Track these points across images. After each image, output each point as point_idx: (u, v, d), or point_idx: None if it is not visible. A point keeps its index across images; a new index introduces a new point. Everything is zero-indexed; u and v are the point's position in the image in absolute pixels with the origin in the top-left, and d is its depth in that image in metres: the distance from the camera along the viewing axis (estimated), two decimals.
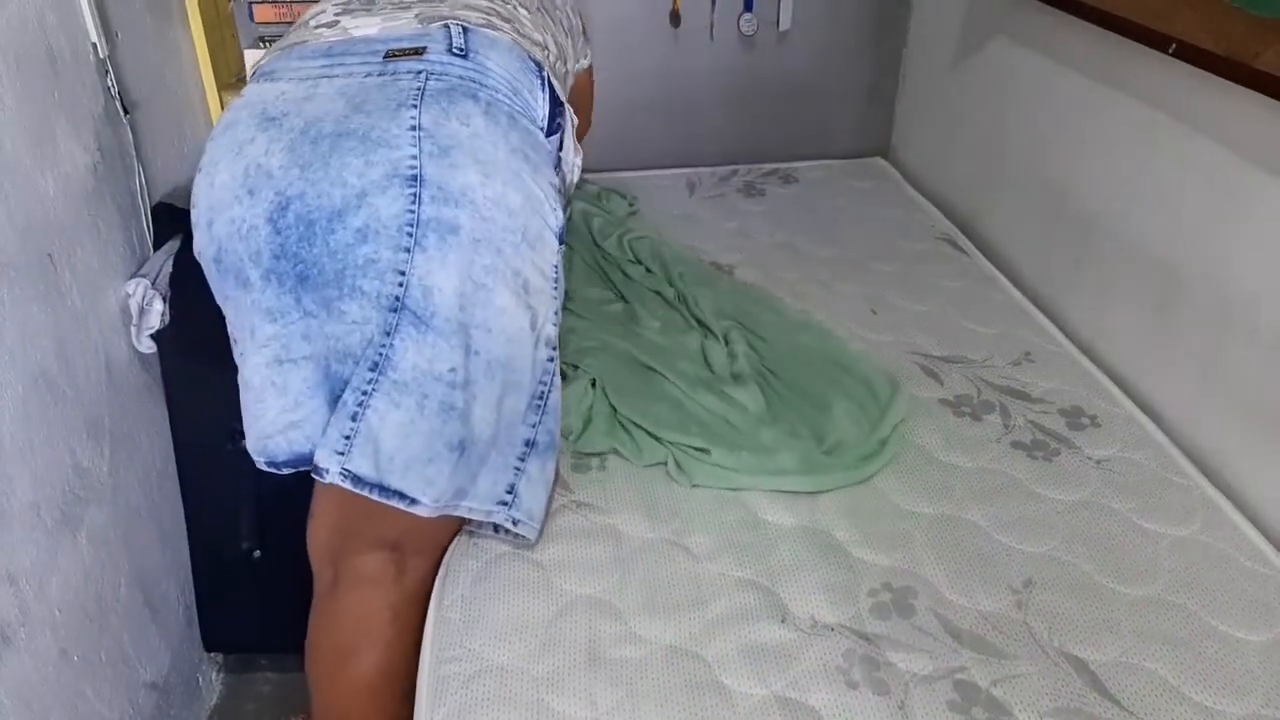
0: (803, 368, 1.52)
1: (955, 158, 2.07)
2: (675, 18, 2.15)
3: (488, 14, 1.17)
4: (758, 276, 1.79)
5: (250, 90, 1.12)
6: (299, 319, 1.10)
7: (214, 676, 1.75)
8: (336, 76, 1.09)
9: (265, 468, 1.17)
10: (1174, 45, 1.33)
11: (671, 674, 1.06)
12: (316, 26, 1.15)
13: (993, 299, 1.73)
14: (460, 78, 1.08)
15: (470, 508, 1.15)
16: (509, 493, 1.16)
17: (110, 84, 1.40)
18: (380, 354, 1.07)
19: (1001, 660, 1.06)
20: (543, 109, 1.14)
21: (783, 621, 1.11)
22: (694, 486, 1.30)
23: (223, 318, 1.17)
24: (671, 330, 1.62)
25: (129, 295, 1.42)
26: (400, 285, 1.06)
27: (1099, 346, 1.59)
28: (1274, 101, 1.19)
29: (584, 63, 1.51)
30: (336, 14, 1.16)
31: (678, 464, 1.32)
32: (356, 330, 1.08)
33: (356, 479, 1.08)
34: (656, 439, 1.35)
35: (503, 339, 1.10)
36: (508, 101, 1.10)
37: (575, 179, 1.26)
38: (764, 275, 1.80)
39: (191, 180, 1.14)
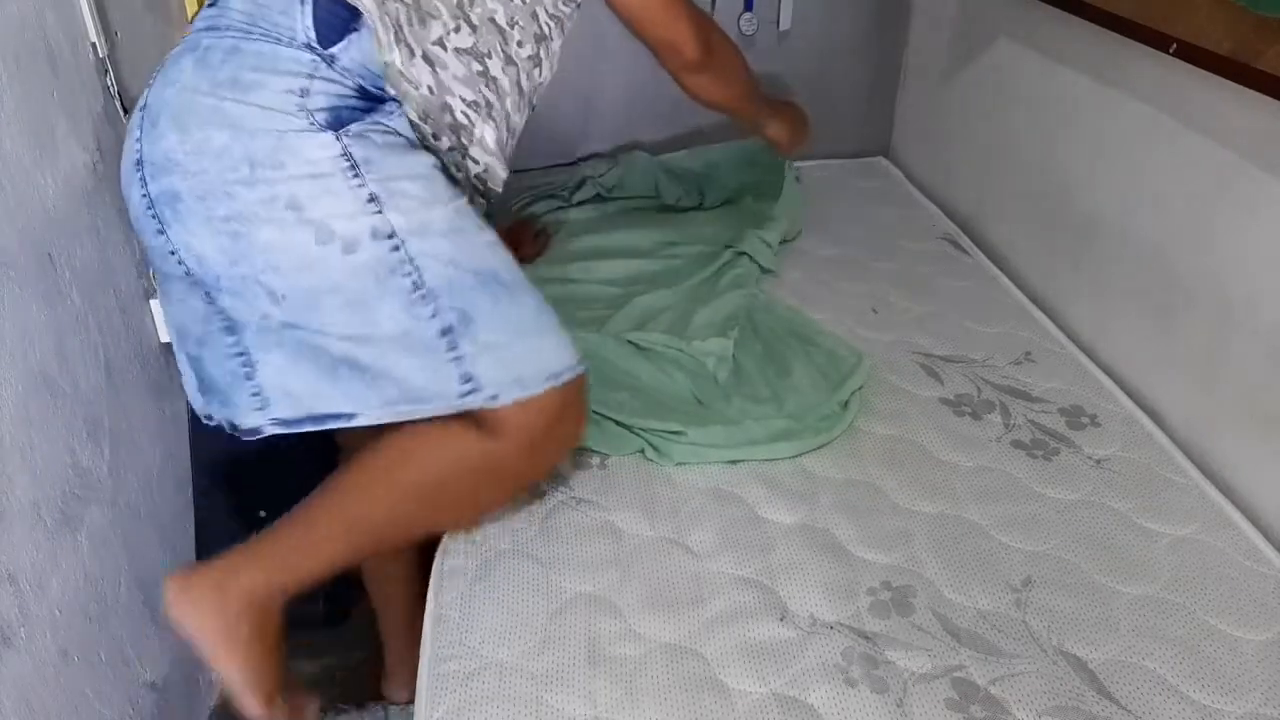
0: (767, 338, 1.57)
1: (955, 158, 2.07)
2: None
3: None
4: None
5: None
6: (160, 297, 1.18)
7: (214, 676, 1.75)
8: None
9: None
10: (1174, 45, 1.33)
11: (671, 672, 1.06)
12: None
13: (994, 299, 1.73)
14: (200, 30, 1.08)
15: (434, 409, 1.09)
16: (466, 381, 1.08)
17: (110, 83, 1.40)
18: (221, 319, 1.09)
19: (1000, 659, 1.06)
20: (303, 22, 1.05)
21: (782, 620, 1.11)
22: (677, 465, 1.33)
23: None
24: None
25: None
26: (180, 263, 1.07)
27: (1099, 346, 1.59)
28: (1275, 101, 1.19)
29: None
30: None
31: (655, 448, 1.34)
32: (185, 307, 1.12)
33: (286, 422, 1.09)
34: (627, 427, 1.36)
35: (295, 271, 1.04)
36: (235, 38, 1.05)
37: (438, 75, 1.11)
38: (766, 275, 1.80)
39: None
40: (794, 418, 1.38)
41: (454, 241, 1.08)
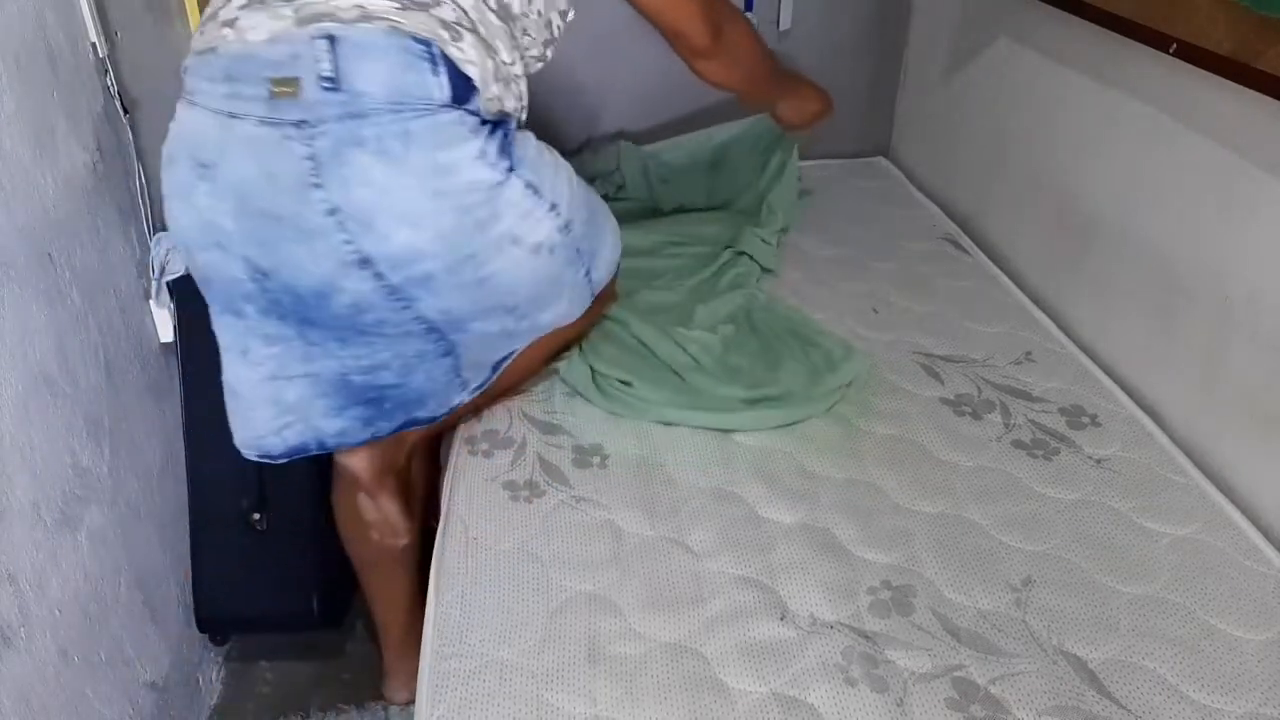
0: (766, 337, 1.58)
1: (955, 158, 2.07)
2: None
3: None
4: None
5: (180, 113, 1.13)
6: (300, 345, 1.19)
7: (214, 676, 1.75)
8: (239, 118, 1.07)
9: (256, 459, 1.27)
10: (1174, 45, 1.33)
11: (671, 671, 1.06)
12: (222, 24, 1.10)
13: (994, 298, 1.73)
14: (340, 119, 1.05)
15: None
16: (591, 298, 1.36)
17: (110, 83, 1.40)
18: (442, 345, 1.23)
19: (1000, 658, 1.06)
20: (442, 89, 1.07)
21: (782, 619, 1.11)
22: (611, 414, 1.42)
23: None
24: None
25: (152, 251, 1.51)
26: (423, 323, 1.18)
27: (1099, 346, 1.59)
28: (1275, 101, 1.19)
29: None
30: (240, 6, 1.10)
31: (600, 390, 1.43)
32: (398, 348, 1.21)
33: (478, 388, 1.34)
34: (592, 369, 1.46)
35: (527, 285, 1.21)
36: (393, 121, 1.06)
37: (518, 75, 1.22)
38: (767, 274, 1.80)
39: None
40: (764, 401, 1.41)
41: (581, 200, 1.26)
